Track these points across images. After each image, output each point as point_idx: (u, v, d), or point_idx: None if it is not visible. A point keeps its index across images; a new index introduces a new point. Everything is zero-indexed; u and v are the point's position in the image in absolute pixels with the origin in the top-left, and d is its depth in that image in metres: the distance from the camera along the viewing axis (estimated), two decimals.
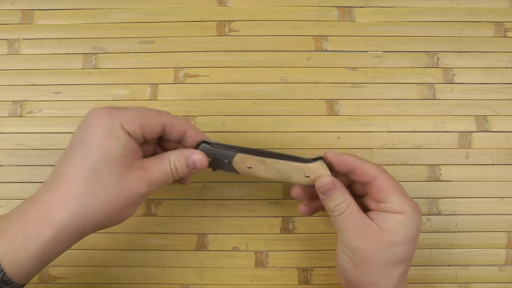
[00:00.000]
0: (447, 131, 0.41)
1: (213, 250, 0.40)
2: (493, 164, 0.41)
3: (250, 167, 0.32)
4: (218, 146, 0.32)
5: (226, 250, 0.40)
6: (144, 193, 0.28)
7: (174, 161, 0.30)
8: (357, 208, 0.31)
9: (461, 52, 0.42)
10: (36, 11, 0.43)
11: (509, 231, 0.40)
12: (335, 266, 0.40)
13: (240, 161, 0.32)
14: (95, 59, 0.42)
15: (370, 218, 0.31)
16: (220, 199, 0.40)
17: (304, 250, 0.40)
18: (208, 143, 0.32)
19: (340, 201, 0.31)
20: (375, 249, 0.30)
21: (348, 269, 0.31)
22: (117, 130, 0.27)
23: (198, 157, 0.31)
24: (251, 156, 0.32)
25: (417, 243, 0.31)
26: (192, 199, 0.40)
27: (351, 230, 0.30)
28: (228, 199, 0.40)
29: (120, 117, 0.28)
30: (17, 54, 0.43)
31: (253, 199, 0.40)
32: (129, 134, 0.28)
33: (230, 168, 0.33)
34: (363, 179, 0.32)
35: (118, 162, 0.27)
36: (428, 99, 0.42)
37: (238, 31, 0.43)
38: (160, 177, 0.29)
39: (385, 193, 0.31)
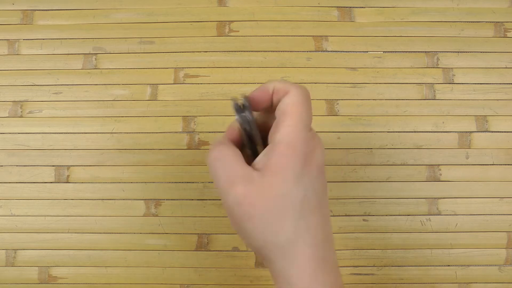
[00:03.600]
0: (447, 131, 0.41)
1: (213, 250, 0.40)
2: (493, 164, 0.41)
3: None
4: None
5: (226, 250, 0.40)
6: None
7: None
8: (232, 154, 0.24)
9: (461, 52, 0.42)
10: (36, 11, 0.43)
11: (509, 231, 0.40)
12: None
13: None
14: (95, 59, 0.42)
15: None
16: (220, 199, 0.40)
17: None
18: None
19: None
20: (253, 200, 0.22)
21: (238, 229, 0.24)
22: None
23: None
24: None
25: (317, 164, 0.23)
26: (192, 199, 0.40)
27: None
28: None
29: None
30: (17, 54, 0.43)
31: None
32: None
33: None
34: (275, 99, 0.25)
35: None
36: (428, 99, 0.42)
37: (238, 31, 0.43)
38: None
39: (278, 95, 0.25)
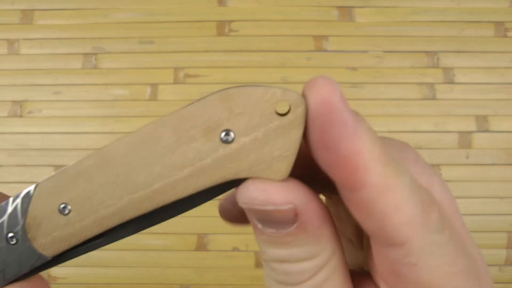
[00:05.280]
0: (447, 131, 0.41)
1: (213, 250, 0.40)
2: (493, 164, 0.40)
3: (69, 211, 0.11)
4: None
5: (226, 250, 0.40)
6: None
7: None
8: (342, 270, 0.11)
9: (461, 52, 0.42)
10: (36, 11, 0.43)
11: (509, 231, 0.40)
12: None
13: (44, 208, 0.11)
14: (95, 59, 0.42)
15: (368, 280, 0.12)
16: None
17: None
18: None
19: (306, 254, 0.11)
20: None
21: None
22: None
23: None
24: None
25: None
26: None
27: None
28: None
29: None
30: (17, 54, 0.43)
31: None
32: None
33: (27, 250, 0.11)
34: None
35: None
36: (428, 99, 0.41)
37: (238, 31, 0.43)
38: None
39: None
